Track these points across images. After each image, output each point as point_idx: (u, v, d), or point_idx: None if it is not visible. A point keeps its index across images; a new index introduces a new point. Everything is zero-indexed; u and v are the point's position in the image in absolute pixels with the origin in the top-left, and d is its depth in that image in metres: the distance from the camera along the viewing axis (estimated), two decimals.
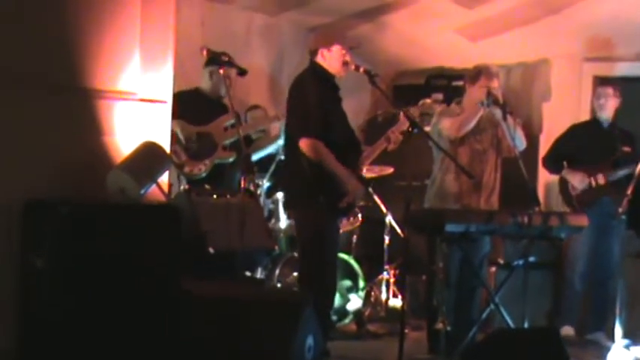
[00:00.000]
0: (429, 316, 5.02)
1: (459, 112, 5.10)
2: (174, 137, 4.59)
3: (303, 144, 4.41)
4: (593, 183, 5.58)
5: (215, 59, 4.91)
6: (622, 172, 5.51)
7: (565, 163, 5.71)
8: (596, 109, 5.71)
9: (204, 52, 4.77)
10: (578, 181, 5.62)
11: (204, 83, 5.27)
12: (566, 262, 5.74)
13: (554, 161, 5.77)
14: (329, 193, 4.43)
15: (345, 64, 4.56)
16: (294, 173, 4.56)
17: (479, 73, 5.05)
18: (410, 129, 4.67)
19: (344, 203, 4.47)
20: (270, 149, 5.37)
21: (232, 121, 4.89)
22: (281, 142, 5.15)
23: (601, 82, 5.76)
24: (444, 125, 5.04)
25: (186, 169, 5.05)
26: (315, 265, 4.50)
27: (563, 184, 5.72)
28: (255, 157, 5.16)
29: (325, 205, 4.44)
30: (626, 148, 5.62)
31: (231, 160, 5.14)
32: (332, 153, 4.42)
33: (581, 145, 5.68)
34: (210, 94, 5.26)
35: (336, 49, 4.53)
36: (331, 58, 4.55)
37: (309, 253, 4.55)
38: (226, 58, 4.83)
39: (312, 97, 4.46)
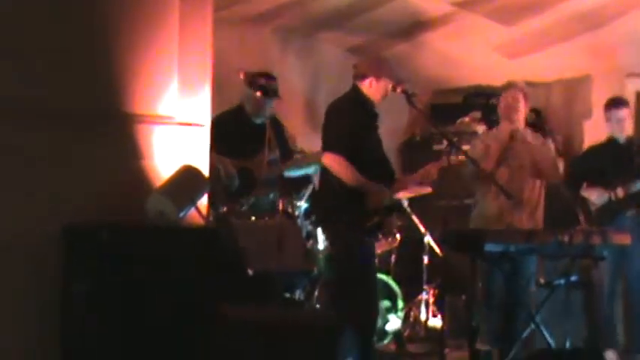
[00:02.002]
0: (470, 337, 4.97)
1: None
2: (214, 172, 4.55)
3: (327, 158, 4.49)
4: (613, 196, 5.50)
5: (252, 82, 4.97)
6: None
7: (585, 183, 5.64)
8: (613, 132, 5.63)
9: (242, 75, 4.81)
10: (596, 196, 5.53)
11: (246, 104, 5.28)
12: (593, 283, 5.64)
13: (573, 183, 5.69)
14: (357, 213, 4.45)
15: (385, 97, 4.61)
16: (325, 193, 4.62)
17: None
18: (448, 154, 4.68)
19: (372, 222, 4.48)
20: (305, 170, 5.33)
21: (274, 156, 4.87)
22: (313, 167, 5.15)
23: (612, 105, 5.64)
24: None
25: (224, 210, 4.95)
26: (348, 284, 4.51)
27: (583, 202, 5.62)
28: (289, 173, 5.16)
29: (354, 224, 4.45)
30: None
31: (271, 196, 5.09)
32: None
33: (599, 163, 5.60)
34: (252, 115, 5.28)
35: (383, 82, 4.56)
36: (377, 89, 4.57)
37: (342, 272, 4.58)
38: (263, 81, 4.84)
39: (348, 123, 4.50)
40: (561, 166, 5.15)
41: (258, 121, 5.23)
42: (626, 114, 5.61)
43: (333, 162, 4.47)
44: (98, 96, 3.91)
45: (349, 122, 4.50)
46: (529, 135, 5.08)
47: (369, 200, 4.46)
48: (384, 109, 4.79)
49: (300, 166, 5.26)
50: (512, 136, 5.06)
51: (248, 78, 5.02)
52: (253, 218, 4.97)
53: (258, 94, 5.08)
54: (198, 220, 4.00)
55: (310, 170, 5.27)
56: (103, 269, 3.53)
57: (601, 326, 5.61)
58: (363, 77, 4.59)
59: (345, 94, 4.67)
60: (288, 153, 5.38)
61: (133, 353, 3.50)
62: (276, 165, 4.94)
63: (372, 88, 4.58)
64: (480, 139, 5.36)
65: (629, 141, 5.65)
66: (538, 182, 5.16)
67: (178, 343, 3.59)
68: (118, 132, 3.94)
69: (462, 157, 4.73)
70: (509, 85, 5.13)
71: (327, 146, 4.53)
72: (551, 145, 5.22)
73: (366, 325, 4.49)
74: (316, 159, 5.09)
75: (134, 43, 3.99)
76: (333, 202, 4.53)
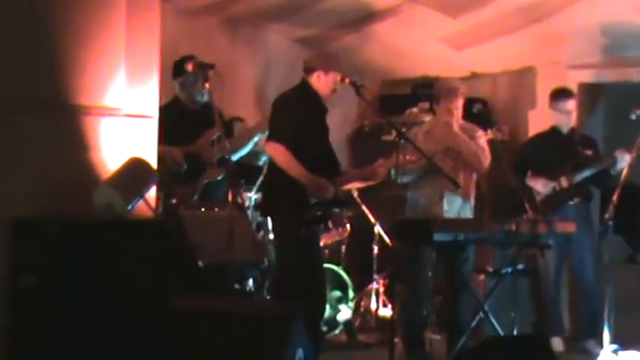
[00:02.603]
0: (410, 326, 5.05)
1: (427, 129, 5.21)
2: (162, 163, 4.52)
3: (270, 147, 4.56)
4: (557, 187, 5.61)
5: (180, 69, 4.95)
6: (584, 174, 5.55)
7: (530, 171, 5.74)
8: (559, 122, 5.74)
9: (190, 67, 4.77)
10: (541, 186, 5.64)
11: (180, 94, 5.22)
12: (539, 271, 5.75)
13: (517, 172, 5.79)
14: (298, 203, 4.48)
15: (334, 91, 4.67)
16: (270, 183, 4.72)
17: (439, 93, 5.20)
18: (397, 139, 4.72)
19: (312, 213, 4.54)
20: (249, 145, 5.28)
21: (219, 134, 4.87)
22: (256, 138, 5.15)
23: (560, 95, 5.76)
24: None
25: (177, 198, 4.94)
26: (291, 273, 4.56)
27: (529, 191, 5.73)
28: (237, 155, 5.15)
29: (294, 213, 4.50)
30: (588, 151, 5.66)
31: (220, 178, 5.11)
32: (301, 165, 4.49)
33: (542, 153, 5.72)
34: (189, 103, 5.22)
35: (332, 75, 4.62)
36: (325, 82, 4.64)
37: (284, 262, 4.68)
38: (190, 66, 4.79)
39: (292, 114, 4.56)
40: (488, 155, 5.23)
41: (196, 103, 5.16)
42: (573, 105, 5.73)
43: (276, 151, 4.52)
44: (44, 87, 3.84)
45: (295, 113, 4.56)
46: (460, 126, 5.18)
47: (310, 192, 4.50)
48: (333, 100, 4.82)
49: (244, 143, 5.22)
50: (446, 128, 5.14)
51: (174, 66, 5.04)
52: (203, 210, 4.95)
53: (207, 84, 5.02)
54: (147, 213, 3.97)
55: (255, 140, 5.20)
56: (52, 263, 3.48)
57: (547, 313, 5.73)
58: (312, 70, 4.66)
59: (294, 87, 4.72)
60: (228, 131, 5.33)
61: (84, 347, 3.46)
62: (221, 143, 4.92)
63: (320, 81, 4.64)
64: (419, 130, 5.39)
65: (572, 131, 5.78)
66: (470, 173, 5.23)
67: (129, 336, 3.56)
68: (64, 124, 3.88)
69: (409, 157, 4.78)
70: (448, 88, 5.21)
71: (271, 135, 4.58)
72: (481, 136, 5.28)
73: (312, 314, 4.51)
74: (259, 130, 5.08)
75: (80, 33, 3.93)
76: (275, 192, 4.59)
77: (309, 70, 4.66)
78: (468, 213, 5.19)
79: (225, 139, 4.71)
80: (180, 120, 5.05)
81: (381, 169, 4.76)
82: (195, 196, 5.05)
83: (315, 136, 4.62)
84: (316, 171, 4.52)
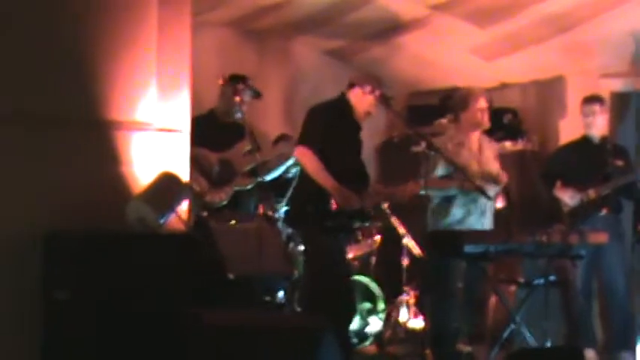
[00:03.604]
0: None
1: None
2: (195, 165, 4.59)
3: (298, 151, 4.62)
4: (585, 198, 5.55)
5: (230, 82, 5.00)
6: (613, 185, 5.49)
7: (559, 181, 5.69)
8: (585, 128, 5.71)
9: (221, 81, 4.83)
10: (569, 197, 5.58)
11: (221, 105, 5.28)
12: (568, 281, 5.69)
13: (546, 181, 5.74)
14: (321, 211, 4.49)
15: (368, 114, 4.76)
16: (297, 191, 4.78)
17: (466, 97, 5.15)
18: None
19: (334, 222, 4.57)
20: (280, 169, 5.35)
21: (250, 147, 4.92)
22: (291, 161, 5.20)
23: (587, 99, 5.74)
24: None
25: (208, 198, 5.04)
26: (313, 282, 4.57)
27: (556, 202, 5.67)
28: (267, 178, 5.19)
29: (316, 221, 4.53)
30: (619, 162, 5.59)
31: (249, 187, 5.17)
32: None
33: (572, 163, 5.66)
34: (223, 115, 5.27)
35: (368, 96, 4.71)
36: (360, 101, 4.73)
37: (307, 270, 4.75)
38: (241, 84, 4.86)
39: (324, 122, 4.62)
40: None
41: (230, 117, 5.22)
42: (596, 109, 5.66)
43: (303, 155, 4.58)
44: (76, 103, 3.89)
45: (326, 122, 4.62)
46: (485, 142, 5.17)
47: (336, 201, 4.53)
48: None
49: (280, 162, 5.26)
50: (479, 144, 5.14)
51: (226, 78, 5.10)
52: (233, 222, 4.99)
53: (237, 98, 5.06)
54: (179, 226, 3.99)
55: (288, 164, 5.25)
56: (84, 277, 3.51)
57: (579, 325, 5.67)
58: (351, 86, 4.76)
59: (331, 99, 4.80)
60: (258, 147, 5.37)
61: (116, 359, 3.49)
62: (252, 155, 4.98)
63: (356, 97, 4.74)
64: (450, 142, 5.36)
65: (603, 141, 5.72)
66: None
67: (160, 350, 3.59)
68: (96, 139, 3.92)
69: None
70: (470, 89, 5.21)
71: (300, 140, 4.64)
72: (494, 148, 5.29)
73: (338, 323, 4.48)
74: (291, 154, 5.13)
75: (112, 49, 3.98)
76: (301, 201, 4.64)
77: (349, 85, 4.77)
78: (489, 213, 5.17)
79: (256, 152, 4.78)
80: (212, 131, 5.11)
81: (414, 189, 4.77)
82: (225, 201, 5.11)
83: (345, 147, 4.65)
84: (345, 183, 4.52)
